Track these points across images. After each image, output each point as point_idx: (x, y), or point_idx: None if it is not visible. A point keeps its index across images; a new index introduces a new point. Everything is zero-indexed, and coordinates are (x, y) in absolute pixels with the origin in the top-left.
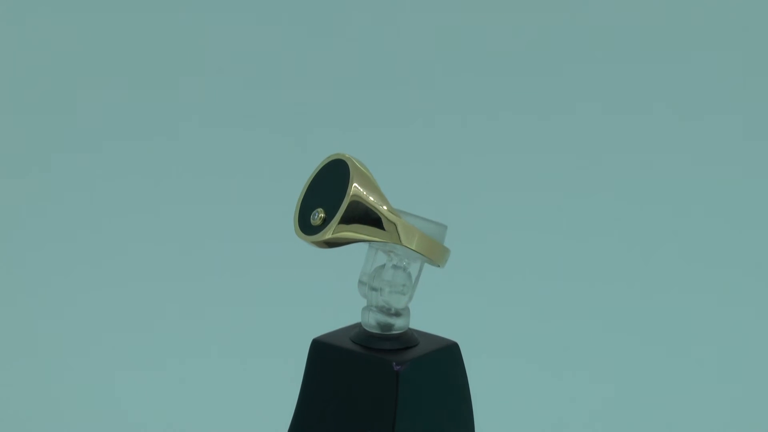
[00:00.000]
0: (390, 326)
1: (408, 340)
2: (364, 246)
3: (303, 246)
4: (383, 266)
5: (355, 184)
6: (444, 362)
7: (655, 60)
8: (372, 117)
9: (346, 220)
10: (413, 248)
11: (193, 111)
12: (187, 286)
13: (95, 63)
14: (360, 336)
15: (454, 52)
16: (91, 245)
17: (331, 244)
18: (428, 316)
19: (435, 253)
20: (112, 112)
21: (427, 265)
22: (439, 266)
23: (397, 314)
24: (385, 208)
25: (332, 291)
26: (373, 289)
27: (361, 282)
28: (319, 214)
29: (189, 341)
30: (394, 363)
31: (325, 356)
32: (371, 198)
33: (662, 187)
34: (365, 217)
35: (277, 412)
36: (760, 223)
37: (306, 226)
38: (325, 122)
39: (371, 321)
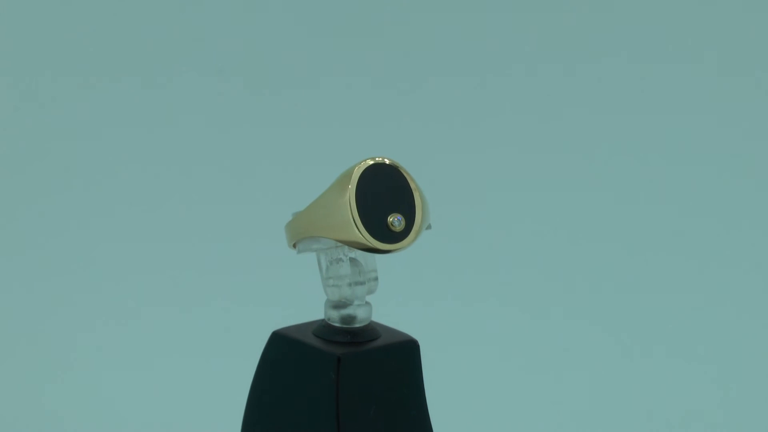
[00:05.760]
0: (354, 318)
1: (374, 326)
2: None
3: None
4: (354, 259)
5: (418, 187)
6: None
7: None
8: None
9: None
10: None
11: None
12: (175, 285)
13: (97, 60)
14: (349, 334)
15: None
16: (78, 242)
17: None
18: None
19: None
20: (112, 107)
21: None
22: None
23: (368, 303)
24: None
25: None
26: (359, 283)
27: (345, 285)
28: (401, 221)
29: (175, 339)
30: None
31: (357, 367)
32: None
33: (657, 186)
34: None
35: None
36: (760, 224)
37: (385, 236)
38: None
39: (355, 315)
